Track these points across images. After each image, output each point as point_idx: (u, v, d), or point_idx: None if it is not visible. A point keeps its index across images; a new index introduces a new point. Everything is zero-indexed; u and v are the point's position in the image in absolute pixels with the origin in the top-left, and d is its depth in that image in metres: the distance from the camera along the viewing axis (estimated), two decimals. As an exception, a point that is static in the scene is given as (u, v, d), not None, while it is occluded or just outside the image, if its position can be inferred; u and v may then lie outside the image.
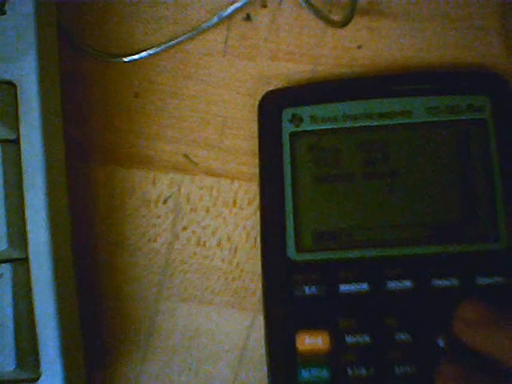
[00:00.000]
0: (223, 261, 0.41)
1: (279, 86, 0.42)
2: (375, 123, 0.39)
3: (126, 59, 0.43)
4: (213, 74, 0.43)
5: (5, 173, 0.37)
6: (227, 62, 0.43)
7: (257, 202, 0.40)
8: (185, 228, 0.41)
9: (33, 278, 0.37)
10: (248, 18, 0.43)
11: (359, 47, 0.42)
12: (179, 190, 0.42)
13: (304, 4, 0.40)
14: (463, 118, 0.39)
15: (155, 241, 0.41)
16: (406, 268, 0.37)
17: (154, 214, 0.42)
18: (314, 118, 0.39)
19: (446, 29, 0.42)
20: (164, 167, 0.42)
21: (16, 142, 0.38)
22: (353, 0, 0.39)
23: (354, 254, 0.38)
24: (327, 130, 0.39)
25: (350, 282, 0.37)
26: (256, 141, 0.40)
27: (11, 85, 0.39)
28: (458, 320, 0.35)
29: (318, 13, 0.41)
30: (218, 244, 0.41)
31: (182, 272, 0.41)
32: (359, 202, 0.38)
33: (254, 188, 0.41)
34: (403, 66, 0.42)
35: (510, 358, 0.32)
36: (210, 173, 0.42)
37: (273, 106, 0.40)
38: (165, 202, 0.41)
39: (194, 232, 0.41)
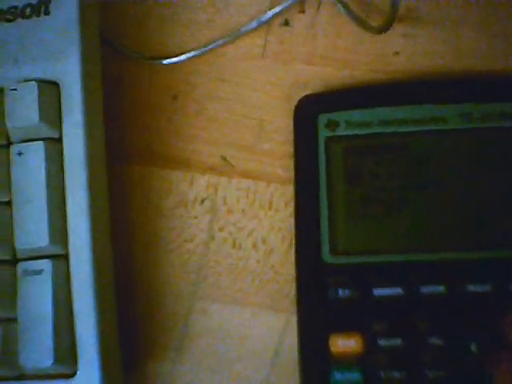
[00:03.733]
0: (258, 263, 0.41)
1: (315, 90, 0.42)
2: (410, 129, 0.39)
3: (165, 62, 0.43)
4: (250, 78, 0.43)
5: (48, 170, 0.38)
6: (265, 66, 0.43)
7: (292, 204, 0.40)
8: (221, 229, 0.42)
9: (72, 274, 0.38)
10: (286, 23, 0.43)
11: (396, 53, 0.42)
12: (216, 191, 0.42)
13: (342, 9, 0.41)
14: (497, 125, 0.39)
15: (191, 241, 0.42)
16: (439, 273, 0.37)
17: (191, 214, 0.42)
18: (349, 124, 0.40)
19: (481, 36, 0.42)
20: (201, 168, 0.42)
21: (59, 140, 0.39)
22: (393, 7, 0.39)
23: (388, 258, 0.38)
24: (362, 135, 0.40)
25: (384, 286, 0.38)
26: (291, 143, 0.41)
27: (55, 84, 0.40)
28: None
29: (356, 18, 0.41)
30: (254, 246, 0.41)
31: (216, 273, 0.42)
32: (394, 208, 0.39)
33: (289, 191, 0.41)
34: (439, 73, 0.42)
35: None
36: (247, 175, 0.42)
37: (309, 111, 0.40)
38: (202, 202, 0.42)
39: (229, 233, 0.42)
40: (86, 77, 0.40)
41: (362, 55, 0.43)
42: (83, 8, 0.40)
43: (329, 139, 0.40)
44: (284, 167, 0.42)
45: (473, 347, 0.36)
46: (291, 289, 0.40)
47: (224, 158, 0.42)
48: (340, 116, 0.40)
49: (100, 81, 0.41)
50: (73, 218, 0.38)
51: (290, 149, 0.41)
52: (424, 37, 0.42)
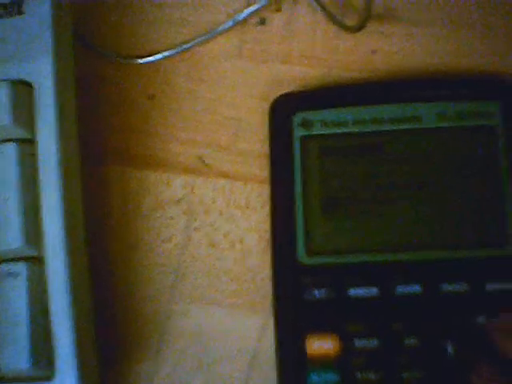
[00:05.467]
0: (235, 263, 0.41)
1: (292, 89, 0.42)
2: (385, 128, 0.39)
3: (140, 61, 0.43)
4: (227, 77, 0.43)
5: (21, 171, 0.38)
6: (241, 65, 0.43)
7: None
8: (197, 229, 0.42)
9: (48, 276, 0.38)
10: (262, 21, 0.43)
11: (373, 52, 0.42)
12: (192, 191, 0.42)
13: (318, 8, 0.41)
14: (472, 124, 0.39)
15: (168, 241, 0.42)
16: (415, 273, 0.37)
17: (168, 215, 0.42)
18: (324, 123, 0.40)
19: (459, 35, 0.42)
20: (178, 169, 0.42)
21: (32, 141, 0.39)
22: (367, 5, 0.39)
23: (364, 258, 0.38)
24: (337, 134, 0.39)
25: (360, 286, 0.37)
26: (268, 143, 0.41)
27: (27, 84, 0.39)
28: (496, 330, 0.35)
29: (332, 17, 0.41)
30: (231, 246, 0.41)
31: (194, 273, 0.41)
32: (369, 208, 0.39)
33: (266, 191, 0.41)
34: (416, 72, 0.42)
35: None
36: (223, 175, 0.42)
37: (284, 110, 0.40)
38: (178, 203, 0.42)
39: (206, 233, 0.42)
40: (60, 77, 0.39)
41: (338, 54, 0.43)
42: (56, 8, 0.40)
43: (304, 138, 0.40)
44: (261, 167, 0.42)
45: (449, 348, 0.36)
46: (269, 289, 0.40)
47: (200, 158, 0.42)
48: (315, 115, 0.40)
49: (74, 81, 0.41)
50: (47, 220, 0.38)
51: (267, 148, 0.41)
52: (402, 35, 0.42)
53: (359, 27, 0.40)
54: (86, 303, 0.39)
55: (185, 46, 0.43)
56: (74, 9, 0.42)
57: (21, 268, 0.37)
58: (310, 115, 0.40)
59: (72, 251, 0.38)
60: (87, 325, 0.39)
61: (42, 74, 0.39)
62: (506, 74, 0.41)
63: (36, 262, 0.38)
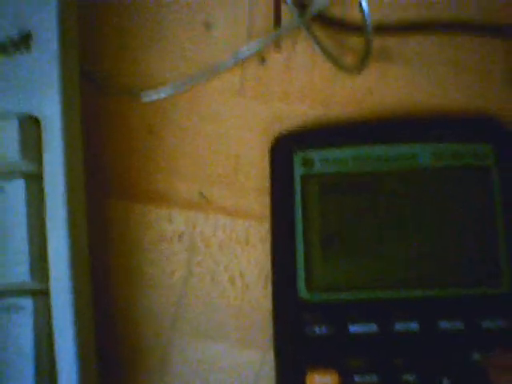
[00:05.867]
0: (235, 298, 0.42)
1: (291, 127, 0.43)
2: (383, 168, 0.40)
3: (143, 98, 0.44)
4: (227, 114, 0.44)
5: (28, 206, 0.38)
6: (241, 102, 0.44)
7: (268, 240, 0.41)
8: (199, 264, 0.42)
9: (53, 310, 0.38)
10: (263, 60, 0.44)
11: (370, 91, 0.43)
12: (194, 226, 0.43)
13: (317, 48, 0.42)
14: (467, 164, 0.40)
15: (170, 276, 0.42)
16: (413, 310, 0.38)
17: (170, 249, 0.43)
18: (324, 161, 0.41)
19: (455, 74, 0.43)
20: (179, 204, 0.43)
21: (39, 176, 0.39)
22: (367, 46, 0.40)
23: (363, 295, 0.39)
24: (337, 173, 0.40)
25: (359, 323, 0.38)
26: (268, 179, 0.42)
27: (35, 120, 0.40)
28: (493, 366, 0.36)
29: (331, 58, 0.42)
30: (231, 281, 0.42)
31: (195, 307, 0.42)
32: (368, 245, 0.40)
33: (266, 226, 0.42)
34: (412, 111, 0.43)
35: None
36: (224, 211, 0.43)
37: (284, 149, 0.41)
38: (180, 238, 0.43)
39: (207, 269, 0.42)
40: (67, 112, 0.40)
41: (336, 92, 0.43)
42: (64, 43, 0.41)
43: (304, 177, 0.40)
44: (260, 203, 0.42)
45: (445, 383, 0.37)
46: (268, 324, 0.40)
47: (201, 194, 0.43)
48: (315, 154, 0.41)
49: (80, 116, 0.42)
50: (53, 254, 0.38)
51: (267, 185, 0.42)
52: (398, 74, 0.43)
53: (359, 69, 0.41)
54: (90, 337, 0.40)
55: (186, 83, 0.44)
56: (80, 44, 0.43)
57: (27, 302, 0.38)
58: (311, 154, 0.41)
59: (77, 284, 0.38)
60: (91, 358, 0.40)
61: (50, 110, 0.40)
62: (499, 117, 0.42)
63: (41, 295, 0.38)
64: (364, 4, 0.37)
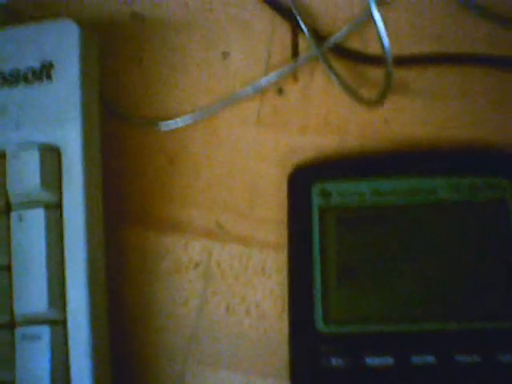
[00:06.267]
0: (251, 327, 0.42)
1: (308, 157, 0.44)
2: (401, 201, 0.41)
3: (162, 127, 0.44)
4: (244, 144, 0.44)
5: (47, 237, 0.39)
6: (259, 132, 0.44)
7: (285, 270, 0.41)
8: (214, 293, 0.43)
9: (70, 339, 0.38)
10: (280, 90, 0.45)
11: (386, 122, 0.44)
12: (210, 256, 0.43)
13: (335, 80, 0.42)
14: (485, 198, 0.40)
15: (185, 305, 0.43)
16: (429, 343, 0.38)
17: (185, 278, 0.43)
18: (342, 194, 0.41)
19: (468, 106, 0.44)
20: (196, 233, 0.43)
21: (58, 205, 0.40)
22: (387, 79, 0.40)
23: (380, 327, 0.39)
24: (355, 205, 0.41)
25: (376, 356, 0.38)
26: (284, 210, 0.42)
27: (55, 149, 0.41)
28: None
29: (350, 91, 0.42)
30: (247, 311, 0.42)
31: (210, 337, 0.42)
32: (385, 278, 0.40)
33: (282, 257, 0.42)
34: (427, 143, 0.44)
35: None
36: (240, 240, 0.43)
37: (302, 181, 0.42)
38: (196, 267, 0.43)
39: (223, 298, 0.43)
40: (87, 142, 0.40)
41: (353, 124, 0.44)
42: (85, 74, 0.41)
43: (322, 209, 0.41)
44: (277, 233, 0.43)
45: (462, 417, 0.38)
46: (283, 354, 0.40)
47: (218, 223, 0.43)
48: (333, 186, 0.41)
49: (100, 146, 0.42)
50: (71, 284, 0.39)
51: (283, 215, 0.42)
52: (413, 106, 0.44)
53: (379, 102, 0.41)
54: (106, 367, 0.40)
55: (204, 113, 0.44)
56: (101, 74, 0.44)
57: (44, 331, 0.38)
58: (328, 186, 0.41)
59: (94, 315, 0.39)
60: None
61: (70, 139, 0.40)
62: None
63: (59, 325, 0.39)
64: (384, 36, 0.37)
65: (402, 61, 0.44)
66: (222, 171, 0.44)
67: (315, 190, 0.41)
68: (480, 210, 0.40)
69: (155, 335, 0.43)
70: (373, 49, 0.44)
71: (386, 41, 0.38)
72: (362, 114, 0.44)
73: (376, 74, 0.44)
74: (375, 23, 0.37)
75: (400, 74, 0.44)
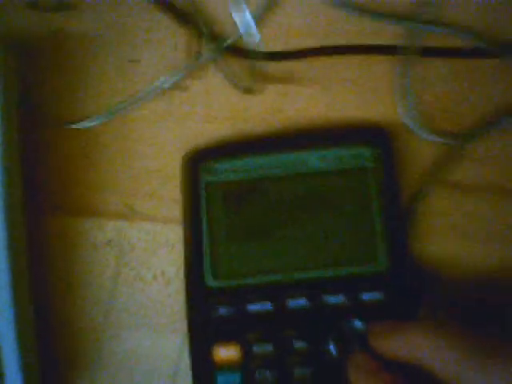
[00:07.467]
0: (158, 292, 0.49)
1: (205, 142, 0.50)
2: (277, 173, 0.47)
3: (76, 126, 0.51)
4: (151, 136, 0.51)
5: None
6: (165, 125, 0.51)
7: (184, 240, 0.48)
8: (126, 265, 0.49)
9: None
10: (185, 88, 0.51)
11: (278, 110, 0.50)
12: (121, 233, 0.49)
13: (228, 77, 0.49)
14: (349, 166, 0.47)
15: (102, 276, 0.49)
16: (302, 289, 0.45)
17: (101, 254, 0.49)
18: (226, 171, 0.47)
19: (350, 92, 0.50)
20: (109, 215, 0.50)
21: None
22: (252, 74, 0.47)
23: (260, 279, 0.46)
24: (237, 179, 0.47)
25: (257, 302, 0.45)
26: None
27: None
28: (371, 333, 0.42)
29: (233, 83, 0.49)
30: (154, 278, 0.49)
31: (124, 303, 0.49)
32: (262, 238, 0.46)
33: (182, 229, 0.48)
34: (312, 125, 0.50)
35: (401, 357, 0.40)
36: (147, 218, 0.49)
37: (192, 162, 0.48)
38: (109, 243, 0.49)
39: (133, 268, 0.49)
40: (5, 141, 0.46)
41: (245, 111, 0.50)
42: (4, 77, 0.46)
43: (208, 184, 0.47)
44: (178, 210, 0.49)
45: (332, 348, 0.44)
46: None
47: (128, 205, 0.50)
48: (218, 164, 0.47)
49: (18, 144, 0.48)
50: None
51: (182, 194, 0.49)
52: (297, 94, 0.50)
53: (249, 90, 0.48)
54: (31, 336, 0.46)
55: (116, 111, 0.51)
56: (21, 78, 0.50)
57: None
58: (214, 164, 0.47)
59: (17, 293, 0.44)
60: (31, 349, 0.46)
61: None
62: (384, 124, 0.49)
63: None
64: (256, 34, 0.45)
65: (287, 55, 0.51)
66: (132, 161, 0.50)
67: (203, 168, 0.48)
68: (345, 176, 0.47)
69: (77, 305, 0.49)
70: (264, 47, 0.50)
71: (257, 37, 0.45)
72: (255, 103, 0.50)
73: (267, 68, 0.50)
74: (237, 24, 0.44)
75: (289, 66, 0.50)
